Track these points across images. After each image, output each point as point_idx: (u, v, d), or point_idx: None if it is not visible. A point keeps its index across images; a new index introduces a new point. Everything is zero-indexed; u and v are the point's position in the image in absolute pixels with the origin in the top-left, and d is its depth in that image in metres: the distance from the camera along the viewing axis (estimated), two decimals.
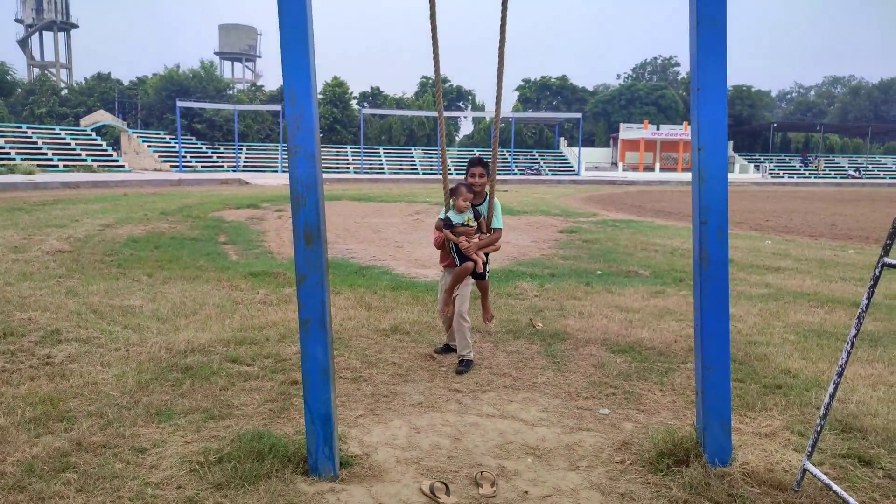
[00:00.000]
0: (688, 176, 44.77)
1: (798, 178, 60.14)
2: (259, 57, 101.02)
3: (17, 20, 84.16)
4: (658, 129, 62.51)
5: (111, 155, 47.34)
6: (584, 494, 2.97)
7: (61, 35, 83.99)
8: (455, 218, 4.56)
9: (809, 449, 2.82)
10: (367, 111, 62.72)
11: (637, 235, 13.55)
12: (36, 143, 43.78)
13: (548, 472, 3.18)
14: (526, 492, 2.99)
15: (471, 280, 4.73)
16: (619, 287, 7.63)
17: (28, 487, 2.84)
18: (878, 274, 2.51)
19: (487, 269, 4.72)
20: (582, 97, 76.57)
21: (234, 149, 55.11)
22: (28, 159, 39.48)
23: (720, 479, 2.96)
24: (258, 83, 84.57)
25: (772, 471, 3.05)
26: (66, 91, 67.78)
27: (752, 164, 64.51)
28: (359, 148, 58.82)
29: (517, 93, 77.96)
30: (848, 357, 2.64)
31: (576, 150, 61.64)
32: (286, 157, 4.03)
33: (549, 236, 13.43)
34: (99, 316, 5.78)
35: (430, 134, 64.62)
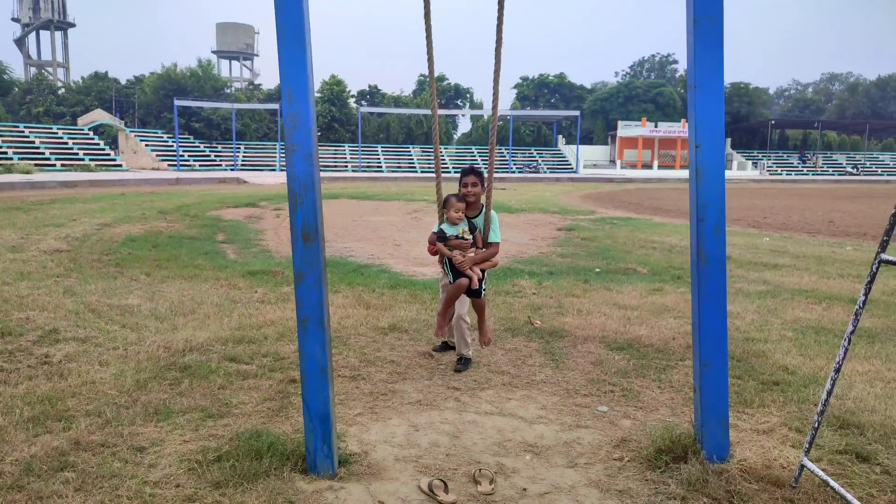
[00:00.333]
0: (686, 173, 44.75)
1: (796, 175, 60.22)
2: (257, 55, 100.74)
3: (13, 19, 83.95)
4: (656, 126, 62.49)
5: (109, 154, 47.35)
6: (582, 491, 2.97)
7: (58, 34, 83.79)
8: (449, 230, 4.29)
9: (807, 445, 2.83)
10: (365, 109, 62.76)
11: (635, 233, 13.57)
12: (33, 142, 43.74)
13: (546, 470, 3.18)
14: (524, 489, 2.99)
15: (467, 300, 4.52)
16: (618, 284, 7.64)
17: (26, 486, 2.84)
18: (875, 270, 2.52)
19: (484, 287, 4.35)
20: (580, 95, 76.58)
21: (231, 147, 55.10)
22: (25, 159, 39.50)
23: (718, 475, 2.96)
24: (256, 82, 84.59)
25: (769, 467, 3.06)
26: (63, 90, 67.63)
27: (749, 162, 64.58)
28: (357, 146, 58.83)
29: (515, 91, 78.00)
30: (845, 353, 2.65)
31: (574, 147, 61.67)
32: (284, 155, 4.02)
33: (548, 234, 13.44)
34: (97, 315, 5.77)
35: (428, 132, 64.53)
